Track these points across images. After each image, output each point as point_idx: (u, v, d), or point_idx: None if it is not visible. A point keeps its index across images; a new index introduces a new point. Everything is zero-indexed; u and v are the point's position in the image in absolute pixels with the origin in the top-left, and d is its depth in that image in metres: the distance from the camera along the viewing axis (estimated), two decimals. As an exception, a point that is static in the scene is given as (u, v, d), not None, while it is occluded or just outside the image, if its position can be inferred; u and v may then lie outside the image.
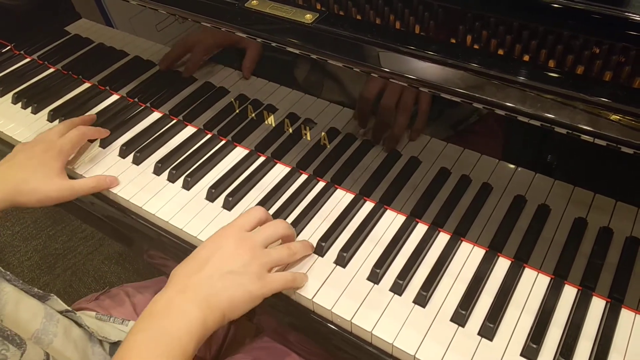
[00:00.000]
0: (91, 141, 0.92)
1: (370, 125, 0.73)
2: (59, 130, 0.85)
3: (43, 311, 0.67)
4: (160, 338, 0.55)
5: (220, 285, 0.60)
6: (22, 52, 1.16)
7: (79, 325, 0.72)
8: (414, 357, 0.61)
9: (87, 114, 0.98)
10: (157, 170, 0.86)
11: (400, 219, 0.76)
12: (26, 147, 0.82)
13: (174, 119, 0.95)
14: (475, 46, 0.66)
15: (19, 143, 0.82)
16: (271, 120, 0.84)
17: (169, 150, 0.89)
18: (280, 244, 0.70)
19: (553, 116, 0.56)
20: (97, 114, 0.98)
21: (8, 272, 0.66)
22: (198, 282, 0.60)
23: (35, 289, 0.69)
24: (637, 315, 0.63)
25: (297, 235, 0.75)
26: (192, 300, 0.58)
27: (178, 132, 0.93)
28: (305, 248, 0.70)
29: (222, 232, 0.67)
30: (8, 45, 1.17)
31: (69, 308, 0.71)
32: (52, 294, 0.70)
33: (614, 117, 0.54)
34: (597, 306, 0.64)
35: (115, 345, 0.75)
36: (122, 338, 0.74)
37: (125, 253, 1.73)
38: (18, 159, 0.80)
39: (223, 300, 0.59)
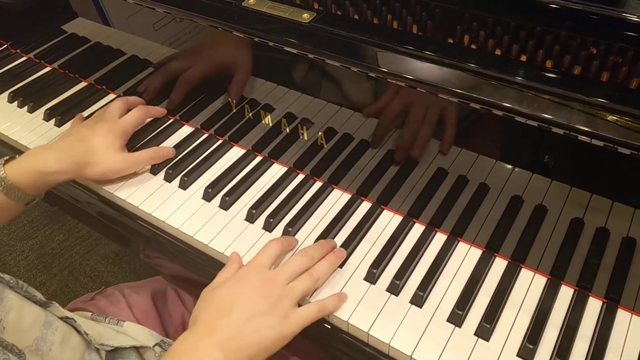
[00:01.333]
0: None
1: (377, 133, 0.73)
2: (118, 109, 0.86)
3: (43, 318, 0.67)
4: None
5: (248, 329, 0.60)
6: (18, 50, 1.15)
7: (78, 331, 0.72)
8: (411, 357, 0.61)
9: (83, 112, 0.98)
10: (154, 170, 0.86)
11: (397, 219, 0.76)
12: (88, 124, 0.85)
13: (170, 119, 0.95)
14: (473, 46, 0.66)
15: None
16: (268, 120, 0.84)
17: (165, 150, 0.89)
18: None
19: (550, 116, 0.56)
20: (93, 114, 0.98)
21: (12, 279, 0.66)
22: (226, 325, 0.60)
23: (39, 296, 0.69)
24: (633, 315, 0.63)
25: (294, 236, 0.75)
26: (219, 344, 0.58)
27: (175, 132, 0.93)
28: (327, 269, 0.69)
29: (245, 272, 0.66)
30: (4, 44, 1.17)
31: (69, 315, 0.71)
32: (54, 302, 0.71)
33: (611, 117, 0.54)
34: (594, 306, 0.64)
35: (112, 353, 0.74)
36: (121, 343, 0.74)
37: (122, 253, 1.72)
38: (82, 133, 0.82)
39: (251, 344, 0.59)
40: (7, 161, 0.76)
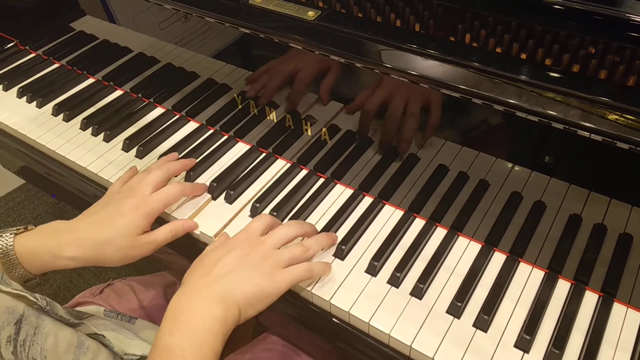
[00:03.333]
0: (95, 134, 0.94)
1: (373, 127, 0.75)
2: (153, 181, 0.76)
3: (76, 341, 0.66)
4: (188, 338, 0.57)
5: (232, 283, 0.61)
6: (27, 47, 1.17)
7: (105, 345, 0.72)
8: (410, 347, 0.62)
9: (91, 108, 1.00)
10: (160, 165, 0.87)
11: (399, 213, 0.77)
12: (117, 198, 0.75)
13: (177, 115, 0.97)
14: (474, 44, 0.68)
15: (110, 184, 0.80)
16: (273, 116, 0.85)
17: (172, 145, 0.90)
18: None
19: (548, 111, 0.57)
20: (102, 108, 1.00)
21: (48, 304, 0.64)
22: (211, 282, 0.62)
23: (72, 319, 0.67)
24: (629, 309, 0.64)
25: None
26: (209, 298, 0.60)
27: (181, 127, 0.95)
28: (319, 242, 0.70)
29: (234, 239, 0.68)
30: (14, 41, 1.19)
31: (97, 332, 0.70)
32: (84, 321, 0.69)
33: (609, 113, 0.56)
34: (590, 300, 0.66)
35: None
36: (143, 351, 0.74)
37: (126, 249, 1.73)
38: (106, 214, 0.73)
39: (237, 297, 0.61)
40: (18, 231, 0.70)
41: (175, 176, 0.83)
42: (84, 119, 0.96)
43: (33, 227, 0.72)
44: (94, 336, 0.70)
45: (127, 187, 0.77)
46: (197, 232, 0.77)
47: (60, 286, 1.64)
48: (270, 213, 0.77)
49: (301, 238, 0.72)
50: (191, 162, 0.85)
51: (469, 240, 0.73)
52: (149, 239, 0.72)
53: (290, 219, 0.77)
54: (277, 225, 0.72)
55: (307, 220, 0.77)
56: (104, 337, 0.71)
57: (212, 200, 0.81)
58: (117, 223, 0.71)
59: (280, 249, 0.67)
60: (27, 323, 0.61)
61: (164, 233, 0.73)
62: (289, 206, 0.79)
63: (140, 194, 0.74)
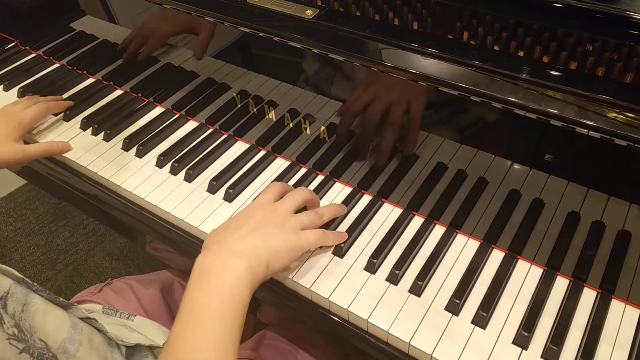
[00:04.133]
0: (94, 134, 0.94)
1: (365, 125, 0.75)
2: (23, 104, 0.92)
3: (69, 320, 0.68)
4: (217, 290, 0.57)
5: (259, 240, 0.63)
6: (27, 47, 1.17)
7: (99, 330, 0.73)
8: (409, 344, 0.62)
9: (91, 108, 1.00)
10: (160, 163, 0.87)
11: (397, 211, 0.77)
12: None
13: (176, 114, 0.97)
14: (472, 42, 0.68)
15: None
16: (272, 115, 0.85)
17: (171, 144, 0.91)
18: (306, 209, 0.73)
19: (547, 109, 0.57)
20: (102, 107, 1.00)
21: (34, 284, 0.67)
22: (239, 239, 0.63)
23: (60, 299, 0.69)
24: (627, 305, 0.64)
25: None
26: (234, 254, 0.61)
27: (180, 127, 0.95)
28: (333, 210, 0.73)
29: (250, 206, 0.70)
30: (14, 41, 1.19)
31: (90, 316, 0.72)
32: (75, 304, 0.71)
33: (607, 110, 0.56)
34: (588, 297, 0.66)
35: (131, 349, 0.76)
36: (140, 341, 0.75)
37: (127, 249, 1.74)
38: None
39: (265, 251, 0.62)
40: None
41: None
42: (84, 118, 0.96)
43: None
44: (87, 320, 0.71)
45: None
46: (196, 230, 0.77)
47: (62, 286, 1.64)
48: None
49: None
50: (56, 98, 0.99)
51: (467, 238, 0.73)
52: (21, 148, 0.86)
53: (312, 191, 0.77)
54: (287, 189, 0.74)
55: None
56: (96, 320, 0.71)
57: (212, 198, 0.82)
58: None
59: (295, 214, 0.69)
60: (14, 300, 0.62)
61: (37, 146, 0.87)
62: (288, 204, 0.79)
63: (11, 112, 0.90)
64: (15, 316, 0.61)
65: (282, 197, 0.72)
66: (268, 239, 0.63)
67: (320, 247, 0.72)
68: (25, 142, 0.92)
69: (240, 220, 0.66)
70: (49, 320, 0.65)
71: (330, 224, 0.75)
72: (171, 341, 0.55)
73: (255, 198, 0.79)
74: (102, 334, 0.73)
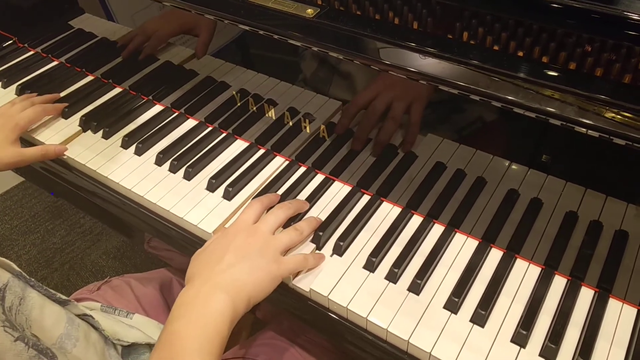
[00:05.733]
0: (94, 132, 0.94)
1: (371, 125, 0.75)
2: (20, 106, 0.92)
3: (65, 316, 0.68)
4: (197, 323, 0.58)
5: (241, 271, 0.63)
6: (26, 45, 1.17)
7: (95, 328, 0.73)
8: (408, 342, 0.63)
9: (90, 105, 1.00)
10: (159, 161, 0.87)
11: (397, 210, 0.77)
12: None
13: (175, 112, 0.97)
14: (472, 42, 0.68)
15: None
16: (272, 114, 0.86)
17: (170, 142, 0.91)
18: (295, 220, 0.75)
19: (546, 108, 0.58)
20: (101, 105, 1.00)
21: (32, 279, 0.67)
22: (221, 272, 0.63)
23: (58, 295, 0.69)
24: (624, 304, 0.65)
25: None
26: (218, 287, 0.61)
27: (179, 125, 0.95)
28: (310, 225, 0.74)
29: (230, 229, 0.70)
30: (12, 38, 1.19)
31: (87, 312, 0.72)
32: (72, 300, 0.71)
33: (605, 110, 0.56)
34: (586, 295, 0.66)
35: (127, 348, 0.76)
36: (137, 339, 0.75)
37: (124, 248, 1.74)
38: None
39: (247, 284, 0.62)
40: None
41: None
42: (82, 116, 0.96)
43: None
44: (83, 317, 0.71)
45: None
46: (195, 228, 0.78)
47: (58, 284, 1.64)
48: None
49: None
50: (53, 97, 0.98)
51: (466, 237, 0.73)
52: (18, 151, 0.87)
53: (294, 202, 0.77)
54: (271, 202, 0.76)
55: (305, 217, 0.77)
56: (93, 317, 0.71)
57: (211, 196, 0.82)
58: None
59: (274, 233, 0.70)
60: (12, 293, 0.62)
61: (33, 149, 0.87)
62: (288, 203, 0.80)
63: (7, 114, 0.90)
64: (12, 309, 0.61)
65: (265, 212, 0.72)
66: (250, 272, 0.63)
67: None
68: (22, 140, 0.92)
69: (222, 248, 0.66)
70: (46, 315, 0.65)
71: (328, 224, 0.75)
72: None
73: (254, 196, 0.79)
74: (98, 332, 0.73)
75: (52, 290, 0.70)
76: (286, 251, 0.70)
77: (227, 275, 0.62)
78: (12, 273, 0.64)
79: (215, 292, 0.60)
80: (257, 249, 0.66)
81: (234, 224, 0.70)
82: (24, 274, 0.66)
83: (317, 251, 0.73)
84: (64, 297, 0.70)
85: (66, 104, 0.98)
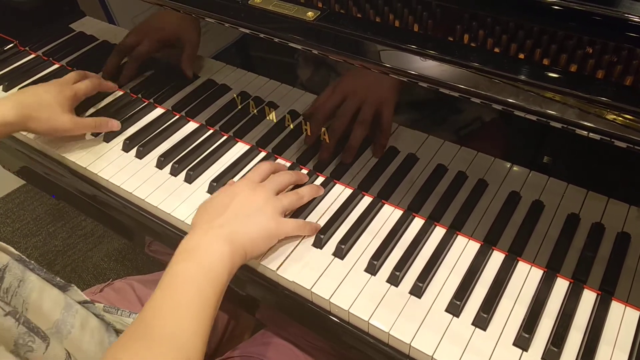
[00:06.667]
0: (95, 135, 0.94)
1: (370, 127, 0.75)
2: (73, 77, 0.94)
3: (63, 302, 0.68)
4: (198, 267, 0.61)
5: (240, 225, 0.67)
6: (27, 48, 1.17)
7: (96, 315, 0.73)
8: (410, 345, 0.62)
9: (91, 109, 1.00)
10: (160, 164, 0.87)
11: (398, 213, 0.77)
12: (43, 85, 0.90)
13: (176, 115, 0.97)
14: (473, 44, 0.68)
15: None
16: (272, 117, 0.85)
17: (171, 145, 0.91)
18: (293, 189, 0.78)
19: (547, 111, 0.58)
20: (102, 109, 1.00)
21: (31, 262, 0.68)
22: (220, 224, 0.66)
23: (58, 279, 0.70)
24: (627, 307, 0.65)
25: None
26: (218, 237, 0.64)
27: (181, 128, 0.95)
28: (312, 191, 0.78)
29: (236, 184, 0.74)
30: (13, 42, 1.19)
31: (87, 299, 0.72)
32: (72, 285, 0.72)
33: (606, 112, 0.56)
34: (588, 298, 0.66)
35: None
36: None
37: (125, 250, 1.74)
38: (35, 90, 0.88)
39: (244, 238, 0.66)
40: None
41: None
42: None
43: None
44: (84, 304, 0.71)
45: (50, 82, 0.93)
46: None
47: (60, 287, 1.64)
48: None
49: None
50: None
51: (467, 239, 0.73)
52: (74, 119, 0.88)
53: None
54: (277, 169, 0.79)
55: (307, 219, 0.77)
56: (93, 304, 0.72)
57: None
58: (43, 97, 0.86)
59: (278, 195, 0.73)
60: (12, 274, 0.63)
61: (88, 119, 0.91)
62: (289, 206, 0.79)
63: (63, 82, 0.92)
64: (9, 290, 0.62)
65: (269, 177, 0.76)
66: (249, 227, 0.67)
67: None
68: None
69: (226, 201, 0.70)
70: (44, 299, 0.66)
71: (330, 227, 0.75)
72: (149, 307, 0.58)
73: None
74: (99, 319, 0.73)
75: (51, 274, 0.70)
76: (285, 214, 0.74)
77: (227, 228, 0.66)
78: (11, 256, 0.65)
79: (217, 242, 0.64)
80: (257, 206, 0.69)
81: (241, 180, 0.75)
82: (23, 257, 0.67)
83: (317, 250, 0.73)
84: (63, 281, 0.71)
85: (115, 86, 1.02)
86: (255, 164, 0.86)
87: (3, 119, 0.81)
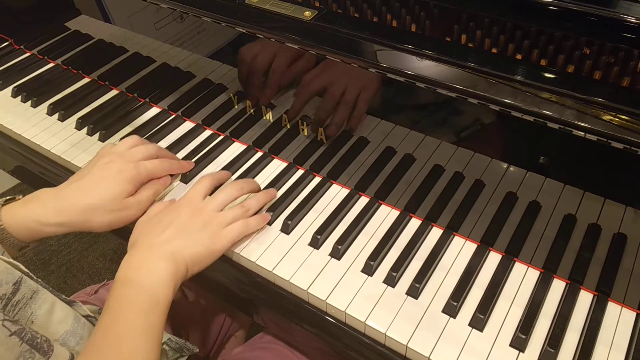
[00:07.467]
0: (90, 134, 0.93)
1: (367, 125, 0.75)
2: (146, 151, 0.78)
3: (73, 313, 0.68)
4: (141, 289, 0.62)
5: (181, 243, 0.67)
6: (22, 46, 1.16)
7: None
8: (407, 346, 0.62)
9: (86, 108, 1.00)
10: (156, 165, 0.87)
11: (395, 213, 0.77)
12: (104, 161, 0.75)
13: (172, 114, 0.97)
14: (470, 45, 0.68)
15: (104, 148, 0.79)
16: (269, 116, 0.85)
17: (167, 145, 0.90)
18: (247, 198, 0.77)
19: (544, 111, 0.58)
20: (97, 107, 0.99)
21: (38, 279, 0.67)
22: (162, 242, 0.66)
23: (63, 296, 0.70)
24: (623, 308, 0.65)
25: (292, 229, 0.76)
26: (160, 256, 0.65)
27: (177, 127, 0.95)
28: (259, 202, 0.76)
29: (178, 202, 0.73)
30: (8, 40, 1.18)
31: (90, 314, 0.72)
32: (77, 301, 0.72)
33: (603, 113, 0.56)
34: (585, 299, 0.66)
35: None
36: None
37: (120, 250, 1.73)
38: (92, 178, 0.73)
39: (186, 255, 0.66)
40: (6, 202, 0.72)
41: (171, 175, 0.83)
42: (79, 118, 0.96)
43: (21, 196, 0.75)
44: (88, 318, 0.72)
45: (115, 151, 0.78)
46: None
47: (55, 286, 1.61)
48: (266, 212, 0.77)
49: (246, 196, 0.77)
50: (190, 164, 0.85)
51: (464, 240, 0.73)
52: (134, 199, 0.75)
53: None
54: (218, 178, 0.79)
55: (303, 220, 0.77)
56: (96, 319, 0.71)
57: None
58: (102, 187, 0.73)
59: (222, 210, 0.72)
60: (27, 286, 0.63)
61: (147, 192, 0.76)
62: (285, 205, 0.79)
63: (129, 157, 0.76)
64: (20, 302, 0.62)
65: (216, 188, 0.76)
66: (190, 246, 0.67)
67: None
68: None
69: (166, 221, 0.69)
70: (56, 311, 0.66)
71: (326, 228, 0.75)
72: (98, 331, 0.59)
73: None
74: None
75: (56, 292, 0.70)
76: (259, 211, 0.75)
77: (168, 247, 0.66)
78: (22, 273, 0.64)
79: (159, 261, 0.64)
80: (199, 225, 0.69)
81: (183, 199, 0.73)
82: (31, 274, 0.66)
83: (313, 251, 0.73)
84: (67, 298, 0.71)
85: (192, 164, 0.84)
86: (255, 161, 0.86)
87: (58, 220, 0.71)
